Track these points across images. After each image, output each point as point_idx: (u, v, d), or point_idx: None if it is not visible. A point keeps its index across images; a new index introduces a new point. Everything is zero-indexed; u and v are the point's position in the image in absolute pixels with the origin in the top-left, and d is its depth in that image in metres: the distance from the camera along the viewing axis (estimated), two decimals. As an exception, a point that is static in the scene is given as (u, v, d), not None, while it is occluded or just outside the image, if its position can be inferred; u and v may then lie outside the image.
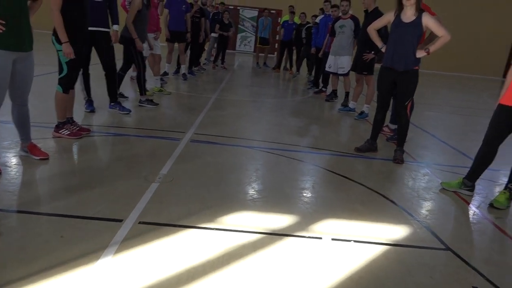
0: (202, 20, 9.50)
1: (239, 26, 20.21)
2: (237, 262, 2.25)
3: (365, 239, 2.66)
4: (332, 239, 2.62)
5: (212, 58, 12.16)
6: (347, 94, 7.50)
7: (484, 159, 3.48)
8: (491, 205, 3.43)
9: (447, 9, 19.78)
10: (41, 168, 3.35)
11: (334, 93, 8.22)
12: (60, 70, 4.01)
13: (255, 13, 20.08)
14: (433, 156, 5.00)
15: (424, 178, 4.07)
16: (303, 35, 10.71)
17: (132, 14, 5.49)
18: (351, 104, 7.18)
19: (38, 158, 3.44)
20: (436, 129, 6.60)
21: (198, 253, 2.29)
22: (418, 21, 4.11)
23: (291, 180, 3.66)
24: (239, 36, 20.50)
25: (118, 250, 2.23)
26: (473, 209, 3.41)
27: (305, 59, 10.93)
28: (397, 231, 2.82)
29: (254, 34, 19.52)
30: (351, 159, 4.47)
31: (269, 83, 10.66)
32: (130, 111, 5.38)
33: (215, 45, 11.76)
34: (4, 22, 2.90)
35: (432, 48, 4.15)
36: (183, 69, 9.06)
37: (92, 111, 5.25)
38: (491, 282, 2.32)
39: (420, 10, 4.12)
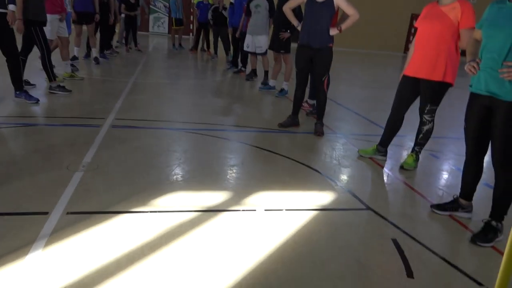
0: (111, 1, 8.99)
1: (151, 7, 19.42)
2: (176, 241, 2.27)
3: (295, 207, 2.83)
4: (265, 210, 2.74)
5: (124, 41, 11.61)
6: (266, 72, 7.67)
7: (392, 126, 3.84)
8: (401, 167, 3.81)
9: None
10: None
11: (253, 72, 8.36)
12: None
13: (166, -8, 19.39)
14: (349, 127, 5.38)
15: (343, 147, 4.38)
16: (210, 16, 10.63)
17: None
18: (271, 82, 7.37)
19: None
20: (350, 102, 7.07)
21: (134, 237, 2.26)
22: (330, 1, 4.33)
23: (220, 158, 3.72)
24: (151, 17, 19.71)
25: (48, 243, 2.12)
26: (387, 172, 3.76)
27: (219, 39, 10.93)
28: (323, 197, 3.03)
29: (167, 15, 18.90)
30: (275, 134, 4.64)
31: (187, 64, 10.49)
32: (38, 100, 4.97)
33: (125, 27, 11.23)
34: None
35: (344, 26, 4.41)
36: (94, 52, 8.54)
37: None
38: (407, 233, 2.62)
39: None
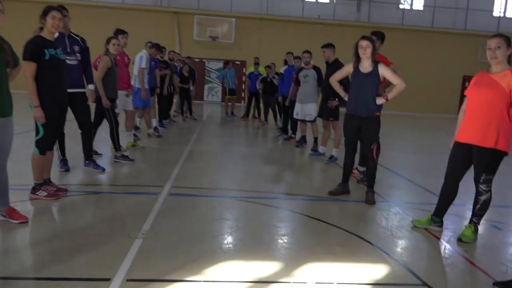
0: (169, 74, 9.81)
1: (206, 77, 20.76)
2: (228, 312, 2.31)
3: (347, 280, 2.79)
4: (316, 283, 2.73)
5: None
6: (315, 139, 7.83)
7: (447, 195, 3.75)
8: (459, 240, 3.65)
9: (398, 48, 21.28)
10: (22, 232, 3.33)
11: (303, 139, 8.55)
12: (37, 132, 4.07)
13: (220, 64, 20.76)
14: (401, 195, 5.27)
15: (396, 216, 4.29)
16: (259, 86, 11.18)
17: (101, 72, 5.62)
18: (320, 149, 7.49)
19: (17, 222, 3.42)
20: (402, 169, 6.96)
21: (189, 307, 2.34)
22: (375, 71, 4.51)
23: (271, 227, 3.78)
24: (206, 87, 21.00)
25: (110, 310, 2.25)
26: (443, 244, 3.62)
27: (269, 108, 11.41)
28: (376, 270, 2.97)
29: (221, 84, 20.09)
30: (325, 202, 4.66)
31: (239, 132, 10.94)
32: (104, 169, 5.39)
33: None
34: None
35: (390, 95, 4.53)
36: (154, 122, 9.20)
37: (67, 170, 5.24)
38: (467, 312, 2.48)
39: (375, 61, 4.53)
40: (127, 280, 2.59)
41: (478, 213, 3.58)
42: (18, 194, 4.06)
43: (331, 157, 6.96)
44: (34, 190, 4.13)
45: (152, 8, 20.11)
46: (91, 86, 5.29)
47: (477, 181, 3.52)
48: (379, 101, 4.56)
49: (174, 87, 10.55)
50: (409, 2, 22.67)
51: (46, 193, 4.12)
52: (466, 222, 3.90)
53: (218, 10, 20.37)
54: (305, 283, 2.72)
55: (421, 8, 22.54)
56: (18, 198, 3.95)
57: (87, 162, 5.39)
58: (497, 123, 3.36)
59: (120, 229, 3.47)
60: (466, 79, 22.50)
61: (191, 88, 12.09)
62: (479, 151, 3.44)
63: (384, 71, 4.52)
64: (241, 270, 2.84)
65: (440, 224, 3.87)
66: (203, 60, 20.66)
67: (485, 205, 3.54)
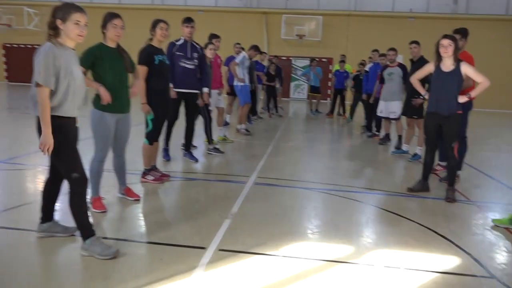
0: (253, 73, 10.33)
1: (292, 75, 21.20)
2: (301, 284, 2.69)
3: (414, 267, 3.00)
4: (384, 266, 2.99)
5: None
6: (399, 137, 7.80)
7: None
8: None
9: (503, 39, 19.58)
10: (135, 206, 4.06)
11: (387, 137, 8.54)
12: (146, 126, 4.82)
13: (306, 62, 21.03)
14: (486, 194, 5.16)
15: (476, 215, 4.29)
16: (351, 84, 11.24)
17: None
18: (404, 147, 7.47)
19: (133, 199, 4.16)
20: (491, 169, 6.68)
21: (268, 277, 2.77)
22: (457, 70, 4.52)
23: (346, 217, 4.07)
24: (292, 84, 21.44)
25: (206, 269, 2.78)
26: (523, 244, 3.59)
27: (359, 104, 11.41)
28: (444, 261, 3.12)
29: (306, 81, 20.36)
30: (404, 198, 4.79)
31: (324, 129, 11.17)
32: (197, 160, 6.06)
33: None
34: (109, 98, 3.68)
35: (473, 93, 4.51)
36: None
37: (168, 160, 6.01)
38: (534, 305, 2.56)
39: (458, 60, 4.54)
40: (219, 250, 3.10)
41: None
42: (130, 178, 4.84)
43: (415, 155, 6.92)
44: (144, 174, 4.90)
45: (243, 9, 21.05)
46: (206, 89, 6.01)
47: None
48: (462, 99, 4.56)
49: (255, 84, 11.13)
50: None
51: (153, 177, 4.87)
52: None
53: (306, 8, 20.65)
54: (373, 265, 2.99)
55: (531, -5, 20.48)
56: (130, 181, 4.72)
57: (186, 152, 6.13)
58: None
59: (213, 209, 4.03)
60: None
61: (277, 86, 12.59)
62: None
63: (467, 69, 4.51)
64: (315, 250, 3.20)
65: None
66: (290, 58, 21.11)
67: None
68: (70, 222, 3.09)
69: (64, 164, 2.85)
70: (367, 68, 10.14)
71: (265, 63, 12.49)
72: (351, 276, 2.83)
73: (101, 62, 3.64)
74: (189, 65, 5.61)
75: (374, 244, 3.38)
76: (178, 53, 5.58)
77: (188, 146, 6.11)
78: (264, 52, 12.96)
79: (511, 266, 3.15)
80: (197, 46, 5.80)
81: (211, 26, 19.18)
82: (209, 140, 6.70)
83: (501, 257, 3.32)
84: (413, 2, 20.60)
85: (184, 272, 2.73)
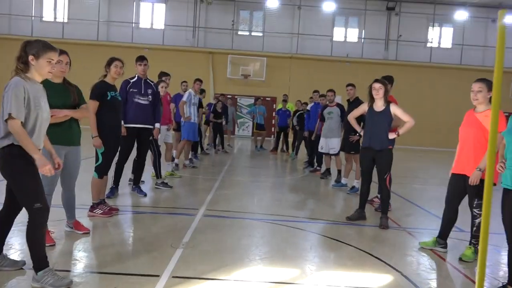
0: (200, 110, 10.60)
1: (237, 113, 21.76)
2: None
3: (353, 285, 3.31)
4: (327, 285, 3.26)
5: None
6: (339, 171, 8.35)
7: (448, 219, 4.22)
8: (460, 259, 4.08)
9: (426, 85, 21.67)
10: (86, 240, 4.05)
11: (327, 171, 9.09)
12: (96, 159, 4.88)
13: (251, 101, 21.77)
14: (414, 221, 5.71)
15: (406, 240, 4.75)
16: (295, 122, 11.90)
17: None
18: (343, 180, 8.00)
19: (82, 232, 4.15)
20: (420, 199, 7.35)
21: (221, 297, 2.93)
22: (387, 110, 5.12)
23: (292, 244, 4.35)
24: (237, 122, 21.96)
25: (160, 296, 2.89)
26: (447, 263, 4.05)
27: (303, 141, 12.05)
28: (379, 279, 3.47)
29: (251, 120, 20.98)
30: (343, 226, 5.18)
31: (268, 164, 11.59)
32: (146, 194, 6.11)
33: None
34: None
35: (401, 131, 5.10)
36: (190, 154, 10.00)
37: (112, 197, 5.91)
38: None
39: (387, 101, 5.14)
40: (172, 277, 3.22)
41: (475, 235, 4.02)
42: (77, 212, 4.82)
43: (353, 187, 7.45)
44: (92, 208, 4.89)
45: (189, 48, 21.62)
46: (157, 125, 6.13)
47: (471, 206, 3.99)
48: (391, 135, 5.13)
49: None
50: (437, 41, 23.24)
51: (101, 211, 4.87)
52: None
53: (251, 50, 21.63)
54: (317, 285, 3.26)
55: (450, 46, 23.04)
56: (77, 215, 4.70)
57: (134, 186, 6.16)
58: (482, 157, 3.83)
59: (164, 240, 4.13)
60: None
61: (224, 123, 12.95)
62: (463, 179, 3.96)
63: (395, 110, 5.12)
64: (265, 274, 3.42)
65: (445, 246, 4.31)
66: (235, 96, 21.74)
67: (480, 227, 3.97)
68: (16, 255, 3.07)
69: (26, 193, 2.88)
70: (308, 107, 10.82)
71: (213, 101, 12.86)
72: (297, 295, 3.07)
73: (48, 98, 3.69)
74: (143, 100, 5.79)
75: (317, 267, 3.67)
76: (132, 89, 5.76)
77: (137, 180, 6.15)
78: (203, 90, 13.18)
79: (435, 281, 3.57)
80: (151, 83, 6.01)
81: (158, 64, 19.51)
82: (158, 175, 6.78)
83: (426, 273, 3.74)
84: (350, 48, 22.37)
85: (139, 297, 2.83)
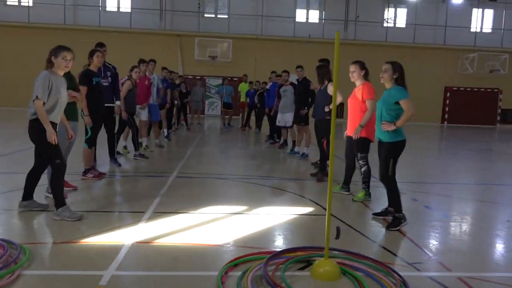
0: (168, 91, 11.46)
1: (207, 93, 22.76)
2: (212, 226, 4.16)
3: (287, 213, 4.63)
4: (266, 214, 4.57)
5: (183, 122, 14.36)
6: (293, 141, 9.68)
7: (348, 169, 5.64)
8: (353, 200, 5.43)
9: (382, 63, 23.21)
10: (87, 192, 5.20)
11: (285, 142, 10.41)
12: (86, 133, 5.96)
13: (219, 81, 22.79)
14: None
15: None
16: (256, 100, 13.14)
17: (123, 93, 7.49)
18: (296, 149, 9.34)
19: (71, 189, 5.23)
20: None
21: (188, 225, 4.18)
22: (325, 89, 6.43)
23: (248, 192, 5.66)
24: (207, 101, 22.98)
25: (146, 222, 4.11)
26: (352, 202, 5.43)
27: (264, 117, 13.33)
28: (306, 210, 4.80)
29: (220, 99, 22.07)
30: (288, 181, 6.51)
31: (235, 138, 12.83)
32: (120, 164, 7.17)
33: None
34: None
35: (331, 106, 6.41)
36: (165, 131, 11.04)
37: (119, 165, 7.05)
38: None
39: (328, 81, 6.46)
40: (154, 212, 4.45)
41: (364, 180, 5.39)
42: (72, 177, 5.92)
43: (303, 154, 8.81)
44: (84, 173, 6.00)
45: (157, 31, 22.27)
46: (118, 102, 7.17)
47: (357, 159, 5.38)
48: (326, 109, 6.44)
49: (173, 101, 12.28)
50: (393, 20, 24.77)
51: (92, 175, 5.99)
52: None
53: (217, 32, 22.50)
54: (258, 214, 4.57)
55: (404, 26, 24.63)
56: (73, 179, 5.80)
57: (110, 158, 7.25)
58: (359, 121, 5.16)
59: (146, 192, 5.33)
60: (447, 89, 24.46)
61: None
62: (352, 139, 5.30)
63: (330, 88, 6.42)
64: (224, 209, 4.69)
65: (348, 189, 5.71)
66: (204, 77, 22.67)
67: (366, 174, 5.33)
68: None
69: (48, 153, 4.02)
70: (267, 87, 12.04)
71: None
72: (245, 220, 4.36)
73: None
74: (104, 82, 6.60)
75: (262, 204, 4.98)
76: None
77: (111, 153, 7.16)
78: (176, 72, 14.02)
79: (341, 209, 4.94)
80: (109, 65, 6.88)
81: (126, 48, 20.21)
82: (136, 147, 7.89)
83: (339, 206, 5.10)
84: (311, 29, 23.57)
85: (132, 224, 4.05)
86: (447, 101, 24.68)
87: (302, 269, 3.20)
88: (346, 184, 5.70)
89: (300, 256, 3.35)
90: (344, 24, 24.06)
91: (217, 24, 22.94)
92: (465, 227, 4.69)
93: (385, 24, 24.44)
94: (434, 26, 24.22)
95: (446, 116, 24.75)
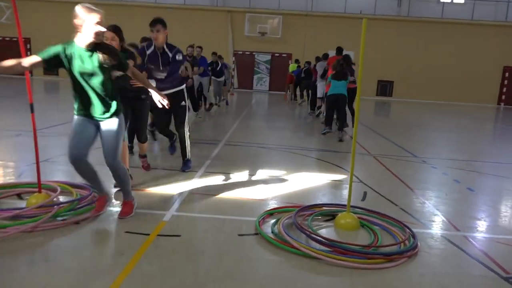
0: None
1: (255, 68, 23.34)
2: (254, 182, 4.84)
3: (318, 179, 5.21)
4: (302, 177, 5.18)
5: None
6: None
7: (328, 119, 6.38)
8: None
9: (438, 41, 22.59)
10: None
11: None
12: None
13: (268, 57, 23.24)
14: (375, 146, 7.52)
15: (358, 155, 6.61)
16: (302, 75, 13.91)
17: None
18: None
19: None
20: (386, 132, 9.09)
21: (237, 182, 4.88)
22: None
23: (286, 160, 6.27)
24: (255, 77, 23.59)
25: (199, 178, 4.85)
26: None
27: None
28: (335, 175, 5.35)
29: (268, 75, 22.60)
30: (321, 152, 7.05)
31: (282, 111, 13.44)
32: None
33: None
34: None
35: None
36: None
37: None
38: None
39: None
40: (205, 172, 5.18)
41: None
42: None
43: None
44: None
45: (209, 7, 22.95)
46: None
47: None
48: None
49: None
50: (450, -4, 23.73)
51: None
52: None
53: (267, 8, 22.81)
54: (295, 177, 5.19)
55: (462, 1, 23.55)
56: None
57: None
58: None
59: (200, 155, 6.09)
60: (506, 69, 23.31)
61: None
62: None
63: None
64: (264, 171, 5.34)
65: (330, 128, 6.76)
66: (253, 53, 23.23)
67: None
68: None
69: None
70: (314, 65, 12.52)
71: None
72: (282, 181, 5.00)
73: None
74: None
75: (300, 169, 5.59)
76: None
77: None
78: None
79: (381, 180, 5.44)
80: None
81: (180, 24, 21.08)
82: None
83: (378, 178, 5.60)
84: (363, 4, 23.21)
85: (187, 179, 4.83)
86: (505, 81, 23.58)
87: (327, 221, 3.80)
88: (328, 124, 7.37)
89: (326, 210, 3.95)
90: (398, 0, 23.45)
91: (267, 0, 23.21)
92: (487, 199, 5.02)
93: (441, 0, 23.52)
94: (496, 2, 22.98)
95: (503, 97, 23.70)
